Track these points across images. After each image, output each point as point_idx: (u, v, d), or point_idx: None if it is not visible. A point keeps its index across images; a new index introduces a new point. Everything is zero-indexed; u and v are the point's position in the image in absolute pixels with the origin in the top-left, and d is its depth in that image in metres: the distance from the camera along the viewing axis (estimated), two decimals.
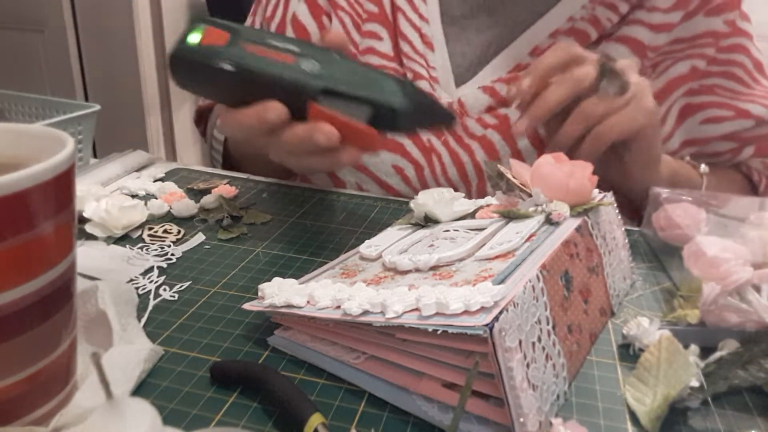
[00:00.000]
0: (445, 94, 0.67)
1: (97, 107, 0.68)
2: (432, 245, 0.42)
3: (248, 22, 0.80)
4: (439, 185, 0.66)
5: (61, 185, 0.28)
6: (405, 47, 0.67)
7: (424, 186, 0.66)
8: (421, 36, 0.67)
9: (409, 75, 0.68)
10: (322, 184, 0.70)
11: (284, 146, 0.47)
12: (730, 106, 0.67)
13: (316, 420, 0.31)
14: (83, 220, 0.53)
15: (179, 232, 0.55)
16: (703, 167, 0.65)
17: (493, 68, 0.66)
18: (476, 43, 0.67)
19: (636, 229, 0.58)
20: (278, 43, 0.47)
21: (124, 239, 0.53)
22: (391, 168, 0.68)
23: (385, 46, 0.69)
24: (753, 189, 0.72)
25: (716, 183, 0.66)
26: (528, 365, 0.31)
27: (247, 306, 0.41)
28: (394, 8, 0.68)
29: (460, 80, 0.67)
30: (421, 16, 0.67)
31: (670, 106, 0.67)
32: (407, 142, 0.67)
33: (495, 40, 0.66)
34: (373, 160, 0.67)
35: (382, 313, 0.33)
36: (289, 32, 0.73)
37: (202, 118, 0.85)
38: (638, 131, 0.54)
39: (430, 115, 0.49)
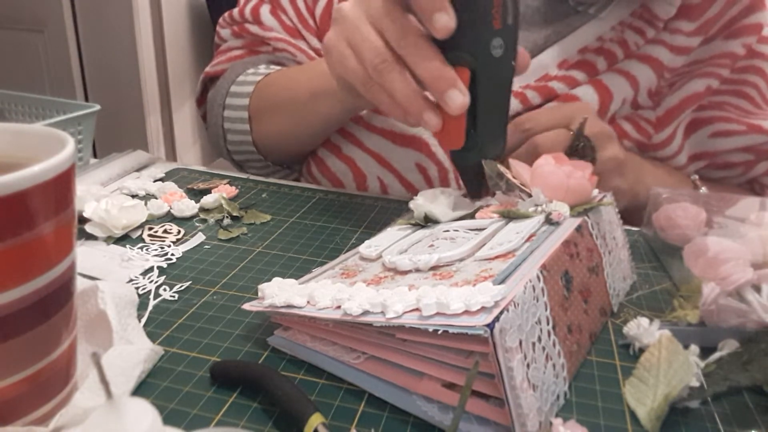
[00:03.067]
0: None
1: (97, 107, 0.68)
2: (432, 245, 0.42)
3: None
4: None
5: (61, 185, 0.28)
6: None
7: None
8: None
9: None
10: (340, 174, 0.69)
11: (392, 71, 0.44)
12: (740, 121, 0.67)
13: (316, 420, 0.31)
14: (83, 220, 0.53)
15: (179, 232, 0.55)
16: (703, 189, 0.65)
17: (520, 76, 0.66)
18: None
19: (636, 229, 0.58)
20: (510, 3, 0.44)
21: (124, 239, 0.53)
22: (414, 165, 0.66)
23: None
24: None
25: None
26: (528, 365, 0.31)
27: (246, 306, 0.41)
28: None
29: None
30: None
31: (680, 122, 0.67)
32: (434, 143, 0.66)
33: (527, 47, 0.66)
34: (397, 155, 0.66)
35: (383, 313, 0.33)
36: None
37: (205, 94, 0.78)
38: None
39: (475, 178, 0.49)
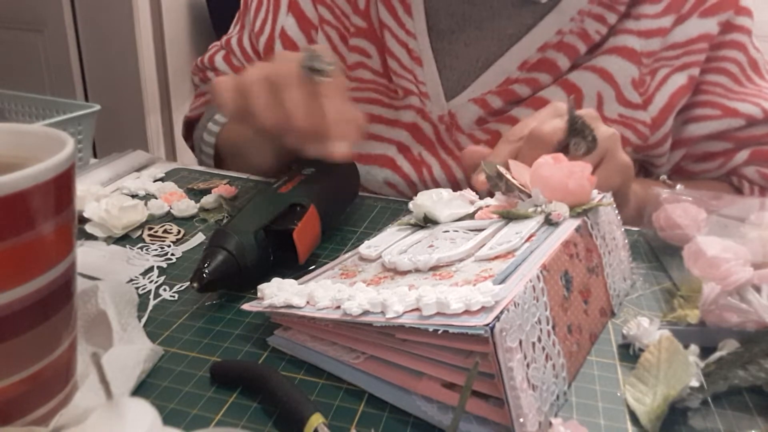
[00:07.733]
0: (436, 108, 0.67)
1: (97, 107, 0.68)
2: (431, 246, 0.42)
3: (233, 32, 0.80)
4: None
5: (61, 185, 0.28)
6: (393, 64, 0.68)
7: None
8: (409, 52, 0.67)
9: (399, 91, 0.68)
10: None
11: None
12: (717, 104, 0.65)
13: (316, 420, 0.31)
14: (83, 220, 0.53)
15: (179, 232, 0.55)
16: (679, 187, 0.64)
17: (483, 83, 0.66)
18: (464, 56, 0.67)
19: (636, 229, 0.58)
20: None
21: (124, 239, 0.53)
22: (384, 184, 0.69)
23: (375, 62, 0.69)
24: None
25: None
26: (528, 365, 0.31)
27: (246, 306, 0.41)
28: (381, 24, 0.68)
29: (450, 94, 0.67)
30: (408, 32, 0.67)
31: (673, 119, 0.65)
32: (398, 156, 0.68)
33: (483, 54, 0.66)
34: (366, 177, 0.69)
35: (383, 313, 0.33)
36: (278, 47, 0.73)
37: (190, 132, 0.85)
38: (614, 190, 0.53)
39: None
